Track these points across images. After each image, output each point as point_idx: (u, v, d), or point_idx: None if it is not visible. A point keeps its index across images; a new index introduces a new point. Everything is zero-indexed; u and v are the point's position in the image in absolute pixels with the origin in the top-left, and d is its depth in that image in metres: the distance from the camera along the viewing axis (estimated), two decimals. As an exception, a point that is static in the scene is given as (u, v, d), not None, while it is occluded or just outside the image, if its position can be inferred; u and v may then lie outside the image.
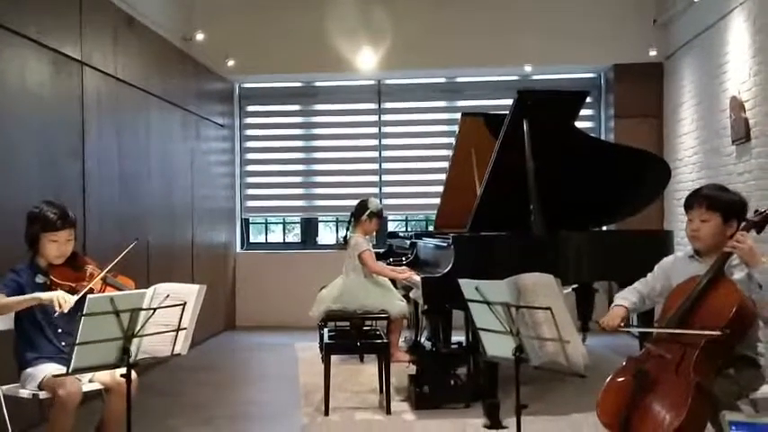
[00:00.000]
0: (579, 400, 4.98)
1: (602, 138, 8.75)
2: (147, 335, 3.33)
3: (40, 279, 3.80)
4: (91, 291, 3.66)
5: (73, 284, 3.80)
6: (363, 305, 5.50)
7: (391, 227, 9.35)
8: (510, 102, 5.31)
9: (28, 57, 4.84)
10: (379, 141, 9.43)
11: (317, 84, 9.51)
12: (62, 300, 3.57)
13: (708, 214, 3.47)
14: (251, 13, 8.86)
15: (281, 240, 10.13)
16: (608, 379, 3.42)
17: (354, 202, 6.07)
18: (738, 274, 3.39)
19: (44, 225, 3.78)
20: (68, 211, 3.89)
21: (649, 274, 3.77)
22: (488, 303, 3.36)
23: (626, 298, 3.70)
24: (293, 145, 9.61)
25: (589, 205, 5.63)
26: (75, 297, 3.61)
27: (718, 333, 3.13)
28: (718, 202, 3.48)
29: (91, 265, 3.95)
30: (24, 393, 3.67)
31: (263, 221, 10.10)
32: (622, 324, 3.58)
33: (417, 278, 5.27)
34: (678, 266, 3.64)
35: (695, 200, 3.53)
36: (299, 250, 9.66)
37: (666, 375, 3.22)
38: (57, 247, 3.80)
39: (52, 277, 3.80)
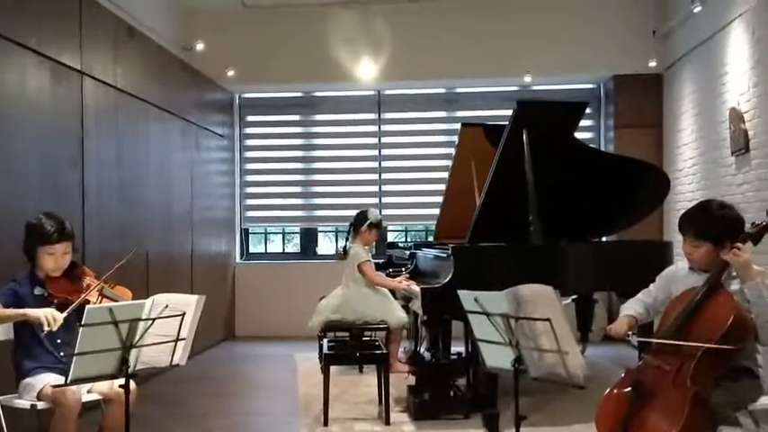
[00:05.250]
0: (578, 411, 4.97)
1: (602, 148, 8.77)
2: (145, 345, 3.32)
3: (38, 291, 3.79)
4: (87, 302, 3.62)
5: (70, 297, 3.78)
6: (363, 316, 5.49)
7: (391, 237, 9.36)
8: (510, 112, 5.31)
9: (28, 66, 4.85)
10: (379, 152, 9.44)
11: (317, 94, 9.53)
12: (50, 318, 3.53)
13: (698, 242, 3.48)
14: (251, 23, 8.89)
15: (281, 250, 10.13)
16: (606, 391, 3.43)
17: (354, 213, 6.07)
18: (735, 286, 3.39)
19: (41, 238, 3.75)
20: (66, 223, 3.85)
21: (651, 285, 3.79)
22: (487, 314, 3.35)
23: (633, 308, 3.72)
24: (293, 155, 9.62)
25: (588, 216, 5.63)
26: (64, 314, 3.58)
27: (730, 347, 3.14)
28: (705, 232, 3.46)
29: (89, 277, 3.93)
30: (23, 404, 3.66)
31: (263, 231, 10.10)
32: (630, 333, 3.60)
33: (417, 289, 5.27)
34: (678, 277, 3.65)
35: (684, 228, 3.54)
36: (298, 260, 9.66)
37: (664, 386, 3.23)
38: (53, 260, 3.78)
39: (49, 290, 3.79)
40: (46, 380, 3.61)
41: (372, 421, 5.17)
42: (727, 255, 3.33)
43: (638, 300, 3.77)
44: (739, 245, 3.34)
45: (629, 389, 3.29)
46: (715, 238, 3.44)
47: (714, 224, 3.47)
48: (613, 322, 3.71)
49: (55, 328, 3.54)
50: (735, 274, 3.39)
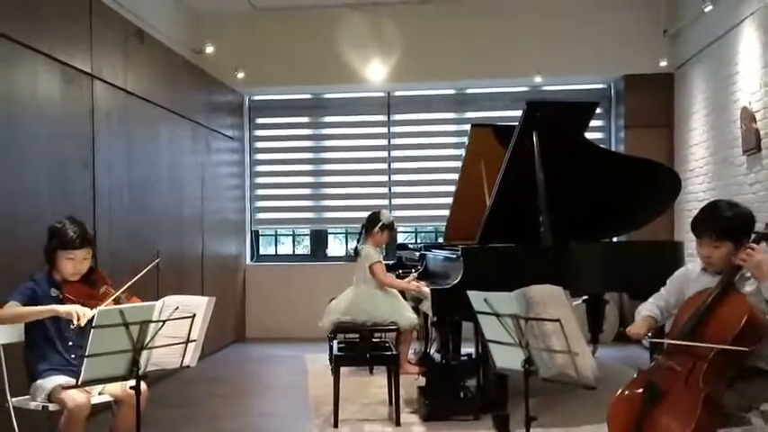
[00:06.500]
0: (589, 412, 4.95)
1: (613, 148, 8.74)
2: (156, 347, 3.33)
3: (54, 293, 3.82)
4: None
5: (84, 301, 3.79)
6: (373, 317, 5.49)
7: (401, 238, 9.36)
8: (520, 113, 5.30)
9: (39, 70, 4.87)
10: (389, 153, 9.44)
11: (327, 96, 9.53)
12: (80, 312, 3.59)
13: (718, 243, 3.44)
14: (260, 25, 8.91)
15: (291, 252, 10.14)
16: (619, 391, 3.41)
17: (364, 214, 6.09)
18: (750, 287, 3.36)
19: (62, 242, 3.80)
20: (88, 229, 3.92)
21: (663, 289, 3.76)
22: (497, 315, 3.35)
23: (650, 310, 3.70)
24: (303, 157, 9.63)
25: (599, 216, 5.61)
26: (94, 311, 3.61)
27: (744, 349, 3.12)
28: (726, 232, 3.43)
29: (105, 284, 3.95)
30: (34, 405, 3.68)
31: (273, 233, 10.11)
32: (649, 334, 3.59)
33: (427, 290, 5.27)
34: (691, 279, 3.63)
35: (703, 231, 3.49)
36: (308, 262, 9.67)
37: (676, 387, 3.21)
38: (72, 264, 3.83)
39: (65, 293, 3.81)
40: (57, 381, 3.64)
41: (382, 422, 5.17)
42: (740, 256, 3.31)
43: (651, 303, 3.75)
44: (753, 245, 3.32)
45: (642, 389, 3.28)
46: (735, 235, 3.42)
47: (730, 223, 3.45)
48: (627, 323, 3.70)
49: (83, 323, 3.57)
50: (748, 275, 3.37)
